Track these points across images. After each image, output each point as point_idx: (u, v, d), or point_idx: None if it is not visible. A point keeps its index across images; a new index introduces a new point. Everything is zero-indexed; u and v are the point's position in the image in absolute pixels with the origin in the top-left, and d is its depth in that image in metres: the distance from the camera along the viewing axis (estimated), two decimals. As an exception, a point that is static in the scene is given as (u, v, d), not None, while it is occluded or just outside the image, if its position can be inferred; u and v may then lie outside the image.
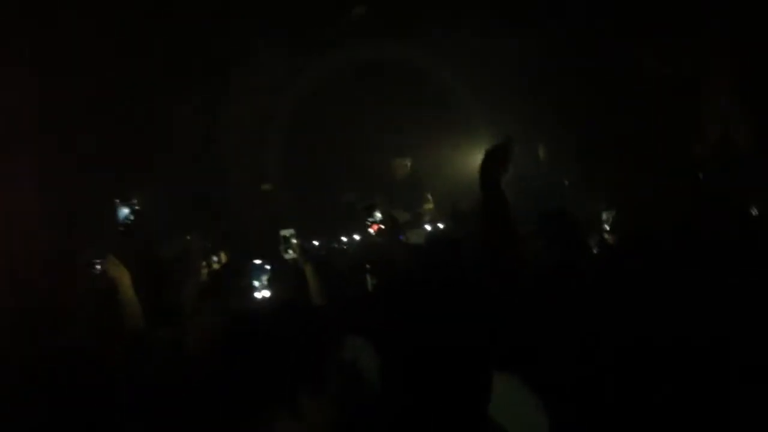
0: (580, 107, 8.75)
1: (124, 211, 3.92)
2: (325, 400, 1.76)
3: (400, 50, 9.74)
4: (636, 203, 6.63)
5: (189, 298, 3.75)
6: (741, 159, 7.34)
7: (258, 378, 1.71)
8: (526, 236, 4.94)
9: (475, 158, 3.12)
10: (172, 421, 2.16)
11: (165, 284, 4.07)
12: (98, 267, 3.77)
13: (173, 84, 8.11)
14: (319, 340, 1.83)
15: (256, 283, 4.37)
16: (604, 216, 5.76)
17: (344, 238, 7.56)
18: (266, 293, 4.38)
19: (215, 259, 3.98)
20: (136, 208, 3.92)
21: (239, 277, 4.35)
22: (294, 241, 4.30)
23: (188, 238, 4.26)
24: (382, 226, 5.61)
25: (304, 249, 4.38)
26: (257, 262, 4.46)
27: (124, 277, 3.74)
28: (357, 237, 7.47)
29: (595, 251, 4.84)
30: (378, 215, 5.72)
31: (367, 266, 4.57)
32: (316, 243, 6.92)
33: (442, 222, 7.63)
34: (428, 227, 7.66)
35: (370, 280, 4.46)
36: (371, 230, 5.76)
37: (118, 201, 3.92)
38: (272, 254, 4.57)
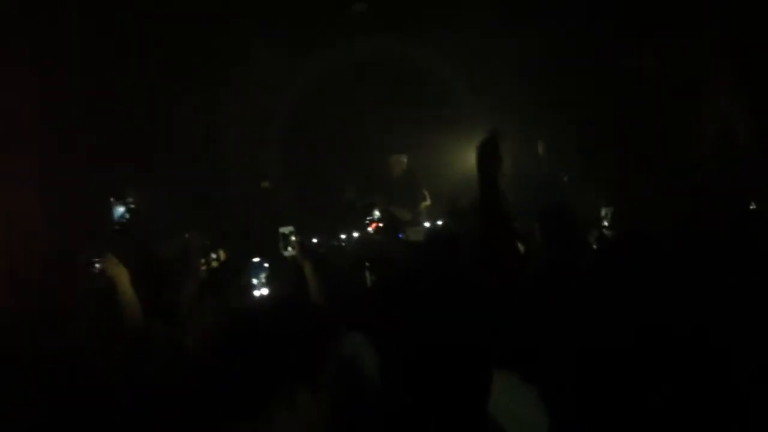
0: (580, 105, 8.76)
1: (120, 209, 3.91)
2: (324, 396, 1.76)
3: (399, 48, 9.74)
4: (635, 200, 6.64)
5: (188, 296, 3.75)
6: (740, 158, 7.35)
7: (257, 375, 1.71)
8: (526, 233, 4.97)
9: (473, 156, 3.12)
10: (171, 419, 2.16)
11: (164, 283, 4.07)
12: (97, 266, 3.77)
13: (173, 83, 8.11)
14: (318, 337, 1.83)
15: (255, 281, 4.37)
16: (603, 212, 5.76)
17: (343, 236, 7.57)
18: (265, 291, 4.38)
19: (214, 256, 3.98)
20: (132, 206, 3.91)
21: (238, 275, 4.36)
22: (293, 238, 4.30)
23: (187, 236, 4.25)
24: (381, 224, 5.61)
25: (304, 246, 4.38)
26: (256, 259, 4.46)
27: (123, 276, 3.75)
28: (356, 235, 7.47)
29: (594, 247, 4.84)
30: (377, 213, 5.72)
31: (367, 264, 4.57)
32: (315, 241, 6.91)
33: (440, 219, 7.64)
34: (427, 224, 7.67)
35: (369, 278, 4.46)
36: (370, 228, 5.75)
37: (113, 200, 3.91)
38: (271, 252, 4.58)
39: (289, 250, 4.32)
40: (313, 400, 1.74)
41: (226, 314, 2.77)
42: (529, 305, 2.95)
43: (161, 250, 4.61)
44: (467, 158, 8.37)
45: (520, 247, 4.98)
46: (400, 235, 5.95)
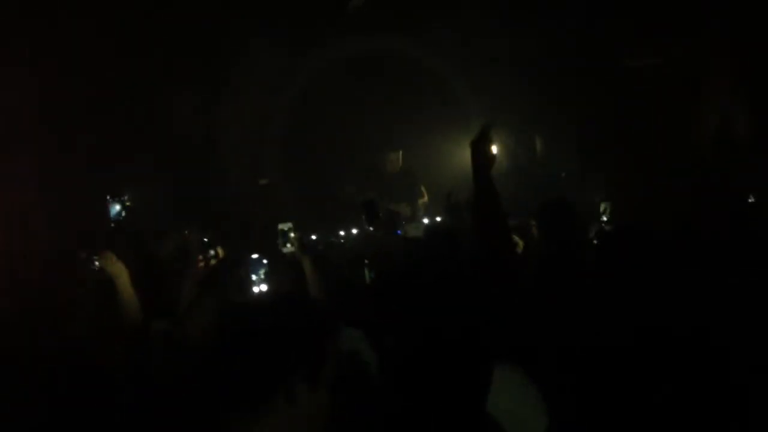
0: (579, 102, 8.75)
1: (116, 207, 3.91)
2: (323, 392, 1.76)
3: (396, 45, 9.73)
4: (634, 196, 6.65)
5: (187, 294, 3.75)
6: (740, 155, 7.34)
7: (256, 371, 1.72)
8: (524, 228, 4.97)
9: (467, 150, 3.13)
10: (171, 417, 2.17)
11: (163, 281, 4.07)
12: (96, 264, 3.78)
13: (171, 81, 8.11)
14: (317, 333, 1.83)
15: (254, 277, 4.37)
16: (602, 207, 5.77)
17: (342, 233, 7.56)
18: (264, 287, 4.38)
19: (212, 254, 3.98)
20: (128, 204, 3.91)
21: (237, 271, 4.36)
22: (292, 234, 4.30)
23: (186, 233, 4.26)
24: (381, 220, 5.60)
25: (303, 242, 4.38)
26: (255, 256, 4.46)
27: (122, 274, 3.75)
28: (354, 231, 7.48)
29: (594, 243, 4.84)
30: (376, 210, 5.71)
31: (366, 261, 4.58)
32: (314, 237, 6.91)
33: (438, 215, 7.64)
34: (425, 221, 7.67)
35: (368, 274, 4.47)
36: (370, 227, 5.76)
37: (110, 198, 3.91)
38: (270, 248, 4.58)
39: (288, 247, 4.31)
40: (313, 395, 1.74)
41: (225, 311, 2.77)
42: (528, 302, 2.95)
43: (160, 248, 4.61)
44: (465, 154, 8.38)
45: (518, 242, 5.01)
46: (399, 232, 5.96)
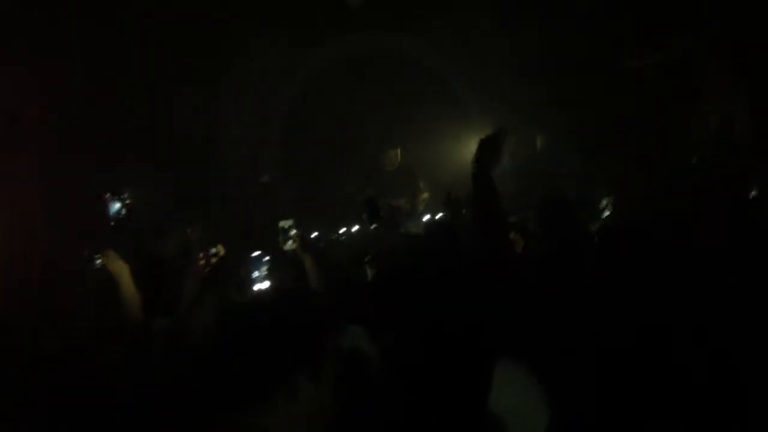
0: (579, 98, 8.74)
1: (116, 205, 3.90)
2: (324, 388, 1.76)
3: (396, 42, 9.73)
4: (633, 195, 6.64)
5: (188, 290, 3.75)
6: (740, 149, 7.32)
7: (258, 367, 1.71)
8: (524, 224, 4.96)
9: (470, 148, 3.12)
10: (173, 414, 2.16)
11: (164, 279, 4.07)
12: (98, 262, 3.76)
13: (172, 80, 8.11)
14: (318, 329, 1.83)
15: (256, 274, 4.36)
16: (604, 202, 5.75)
17: (342, 230, 7.56)
18: (265, 284, 4.38)
19: (213, 251, 3.97)
20: (128, 202, 3.89)
21: (238, 268, 4.35)
22: (293, 232, 4.29)
23: (188, 231, 4.25)
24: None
25: (303, 240, 4.37)
26: (256, 253, 4.45)
27: (123, 272, 3.75)
28: (355, 229, 7.48)
29: (596, 239, 4.82)
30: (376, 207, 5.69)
31: (367, 258, 4.57)
32: (314, 235, 6.91)
33: (438, 210, 7.64)
34: (426, 217, 7.67)
35: (369, 271, 4.46)
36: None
37: (109, 195, 3.90)
38: (271, 245, 4.57)
39: (289, 244, 4.30)
40: (315, 392, 1.74)
41: (226, 309, 2.77)
42: (530, 298, 2.94)
43: (161, 246, 4.60)
44: (465, 151, 8.38)
45: (519, 238, 5.00)
46: (401, 229, 5.95)
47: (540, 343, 2.56)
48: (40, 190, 6.31)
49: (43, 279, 5.06)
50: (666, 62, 8.08)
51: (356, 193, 8.55)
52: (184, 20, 8.05)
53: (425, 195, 8.54)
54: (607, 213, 5.77)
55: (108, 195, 3.91)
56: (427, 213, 7.91)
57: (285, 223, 4.31)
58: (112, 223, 3.91)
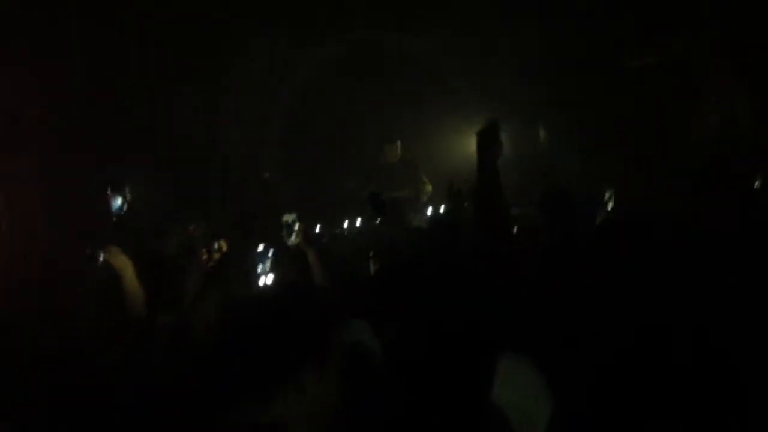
0: (578, 96, 8.74)
1: (118, 201, 3.89)
2: (328, 384, 1.76)
3: (396, 39, 9.74)
4: (635, 189, 6.63)
5: (192, 286, 3.74)
6: (741, 149, 7.31)
7: (262, 362, 1.71)
8: (527, 218, 4.95)
9: (472, 141, 3.11)
10: (176, 410, 2.14)
11: (167, 275, 4.06)
12: (101, 258, 3.75)
13: (173, 73, 8.10)
14: (322, 324, 1.83)
15: (260, 269, 4.36)
16: (607, 195, 5.74)
17: (345, 225, 7.56)
18: (269, 278, 4.38)
19: (216, 246, 3.95)
20: (129, 198, 3.89)
21: (242, 263, 4.35)
22: (296, 226, 4.27)
23: (191, 227, 4.24)
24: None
25: (307, 234, 4.35)
26: (261, 248, 4.45)
27: (127, 268, 3.73)
28: (357, 223, 7.47)
29: (598, 230, 4.80)
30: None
31: (371, 254, 4.56)
32: (317, 229, 6.90)
33: (440, 203, 7.63)
34: (429, 211, 7.65)
35: (372, 266, 4.45)
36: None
37: (110, 192, 3.89)
38: (275, 240, 4.56)
39: (293, 239, 4.28)
40: (319, 387, 1.74)
41: (230, 304, 2.76)
42: (532, 293, 2.93)
43: (163, 242, 4.60)
44: (466, 144, 8.36)
45: (522, 232, 4.98)
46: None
47: (542, 337, 2.55)
48: (40, 190, 6.30)
49: (43, 279, 5.05)
50: (666, 62, 8.07)
51: (358, 187, 8.54)
52: (184, 14, 8.05)
53: (428, 188, 8.52)
54: (609, 206, 5.76)
55: (109, 191, 3.90)
56: (429, 206, 7.88)
57: (288, 218, 4.29)
58: (114, 219, 3.91)
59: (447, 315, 2.10)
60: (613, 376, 2.31)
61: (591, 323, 2.59)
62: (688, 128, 7.77)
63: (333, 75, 9.70)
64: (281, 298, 1.94)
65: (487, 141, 3.03)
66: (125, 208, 3.88)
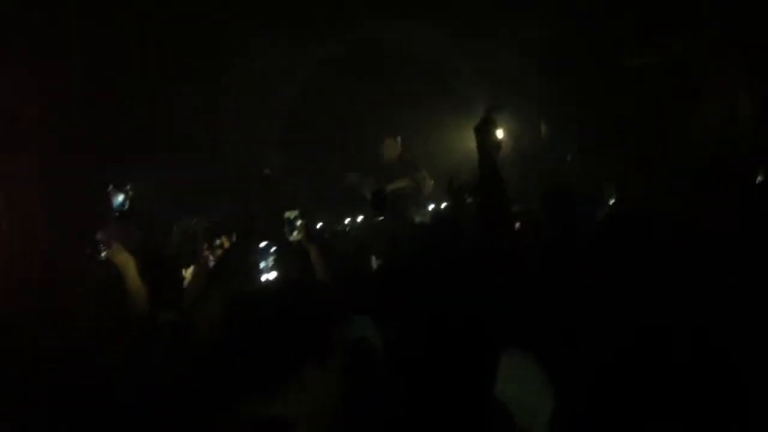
0: (581, 86, 8.73)
1: (119, 198, 3.88)
2: (332, 379, 1.75)
3: (397, 34, 9.73)
4: (636, 188, 6.63)
5: (194, 283, 3.73)
6: (742, 148, 7.31)
7: (265, 358, 1.70)
8: (529, 214, 4.94)
9: (473, 138, 3.10)
10: (178, 406, 2.14)
11: (169, 270, 4.05)
12: (103, 255, 3.75)
13: (173, 72, 8.10)
14: (325, 320, 1.82)
15: (263, 265, 4.36)
16: (608, 191, 5.74)
17: (347, 221, 7.56)
18: (272, 275, 4.38)
19: (218, 243, 3.94)
20: (131, 194, 3.87)
21: (244, 260, 4.34)
22: (298, 222, 4.26)
23: (193, 222, 4.24)
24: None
25: (309, 230, 4.34)
26: (263, 244, 4.45)
27: (129, 264, 3.73)
28: (359, 219, 7.48)
29: (600, 225, 4.80)
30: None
31: (372, 249, 4.56)
32: (319, 226, 6.91)
33: (441, 198, 7.63)
34: (431, 206, 7.65)
35: (374, 262, 4.44)
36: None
37: (112, 188, 3.88)
38: (277, 237, 4.55)
39: (295, 235, 4.27)
40: (322, 382, 1.73)
41: (233, 300, 2.75)
42: (534, 289, 2.92)
43: (165, 238, 4.59)
44: (468, 140, 8.36)
45: (524, 228, 4.97)
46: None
47: (543, 334, 2.54)
48: (40, 190, 6.30)
49: (43, 279, 5.04)
50: (666, 62, 8.06)
51: (358, 181, 8.52)
52: (184, 19, 8.05)
53: (429, 182, 8.50)
54: (611, 202, 5.75)
55: (111, 187, 3.89)
56: (431, 202, 7.87)
57: (291, 214, 4.28)
58: (116, 215, 3.90)
59: (449, 311, 2.12)
60: (613, 373, 2.31)
61: (592, 320, 2.59)
62: (688, 128, 7.76)
63: (334, 71, 9.68)
64: (283, 294, 1.92)
65: (484, 135, 3.01)
66: (127, 204, 3.86)
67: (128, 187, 3.89)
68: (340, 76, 9.53)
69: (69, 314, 3.84)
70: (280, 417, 1.67)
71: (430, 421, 1.90)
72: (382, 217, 4.88)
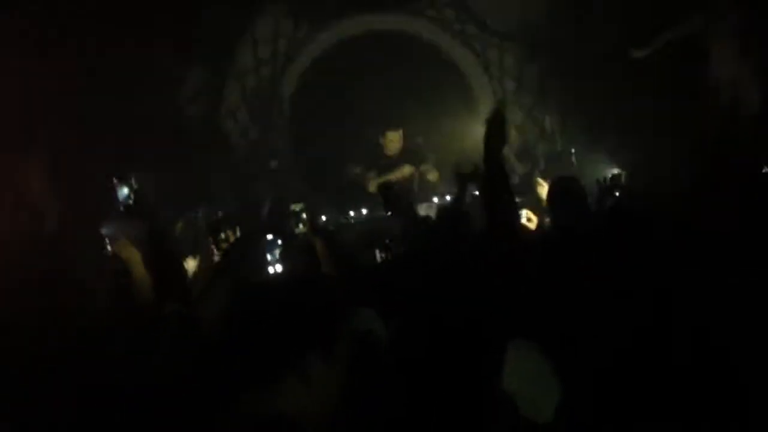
0: (587, 75, 8.71)
1: (124, 190, 3.87)
2: (337, 371, 1.76)
3: (402, 20, 9.70)
4: (645, 173, 6.62)
5: (200, 275, 3.73)
6: (753, 130, 7.29)
7: (271, 349, 1.71)
8: (534, 207, 4.94)
9: (476, 128, 3.10)
10: (183, 397, 2.15)
11: (175, 263, 4.05)
12: (109, 248, 3.75)
13: (177, 62, 8.10)
14: (330, 312, 1.83)
15: (269, 258, 4.37)
16: (613, 182, 5.74)
17: (351, 213, 7.56)
18: (277, 268, 4.39)
19: (223, 236, 3.95)
20: (135, 187, 3.87)
21: (250, 252, 4.34)
22: (304, 215, 4.26)
23: (198, 215, 4.25)
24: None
25: (314, 223, 4.35)
26: (270, 237, 4.46)
27: (135, 258, 3.73)
28: (364, 211, 7.48)
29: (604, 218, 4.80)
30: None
31: (379, 242, 4.55)
32: (323, 218, 6.91)
33: (446, 190, 7.64)
34: (435, 199, 7.64)
35: (379, 255, 4.44)
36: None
37: (116, 180, 3.87)
38: (283, 229, 4.56)
39: (300, 228, 4.28)
40: (327, 374, 1.74)
41: (239, 292, 2.77)
42: (539, 279, 2.92)
43: (171, 231, 4.59)
44: (472, 128, 8.35)
45: (532, 218, 4.97)
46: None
47: (546, 329, 2.55)
48: (46, 189, 6.30)
49: (43, 279, 5.04)
50: (674, 45, 8.03)
51: (363, 173, 8.51)
52: (190, 7, 8.05)
53: (435, 173, 8.49)
54: (617, 193, 5.74)
55: (115, 180, 3.89)
56: (436, 194, 7.87)
57: (296, 207, 4.28)
58: (121, 208, 3.90)
59: (450, 307, 2.15)
60: (612, 373, 2.32)
61: (591, 320, 2.59)
62: (698, 111, 7.74)
63: (339, 59, 9.64)
64: (289, 287, 1.94)
65: (494, 130, 3.00)
66: (132, 197, 3.85)
67: (133, 179, 3.88)
68: (344, 67, 9.49)
69: (71, 312, 3.84)
70: (284, 411, 1.68)
71: (434, 415, 1.91)
72: (390, 213, 4.86)
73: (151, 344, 2.93)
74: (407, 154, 8.60)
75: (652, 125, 7.75)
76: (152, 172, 5.27)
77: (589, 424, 2.19)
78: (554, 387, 2.04)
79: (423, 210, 6.76)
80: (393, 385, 1.98)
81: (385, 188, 5.04)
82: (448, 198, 7.41)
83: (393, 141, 8.56)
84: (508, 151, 8.34)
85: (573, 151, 8.48)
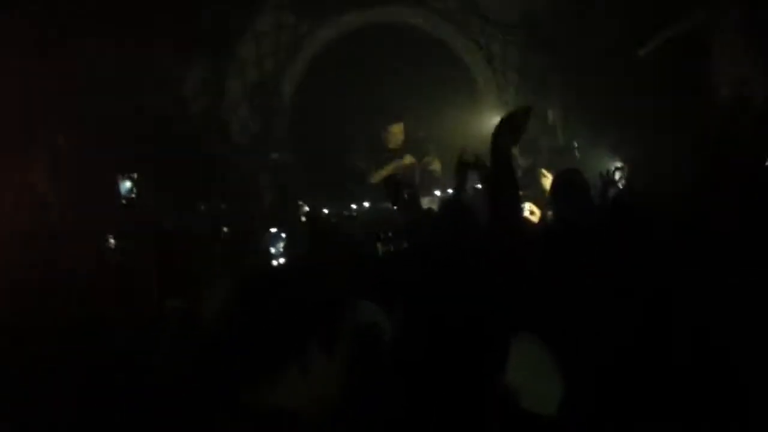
0: (589, 70, 8.70)
1: (127, 184, 3.88)
2: (339, 362, 1.76)
3: (406, 12, 9.69)
4: (647, 168, 6.62)
5: (203, 267, 3.74)
6: (757, 122, 7.28)
7: (273, 341, 1.72)
8: (538, 200, 4.93)
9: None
10: (184, 389, 2.16)
11: (177, 256, 4.06)
12: (112, 241, 3.76)
13: (179, 54, 8.09)
14: (332, 304, 1.84)
15: (273, 250, 4.38)
16: (615, 170, 5.75)
17: (354, 206, 7.55)
18: (282, 260, 4.40)
19: (225, 230, 3.96)
20: (138, 181, 3.88)
21: (253, 244, 4.35)
22: (306, 208, 4.28)
23: (202, 208, 4.25)
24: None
25: (318, 216, 4.36)
26: (274, 230, 4.46)
27: (138, 251, 3.74)
28: (366, 204, 7.47)
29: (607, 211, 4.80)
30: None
31: (382, 235, 4.54)
32: (326, 211, 6.91)
33: (449, 182, 7.62)
34: (438, 192, 7.63)
35: (381, 247, 4.44)
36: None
37: (119, 175, 3.89)
38: (286, 221, 4.57)
39: (303, 220, 4.29)
40: (329, 366, 1.74)
41: (242, 283, 2.78)
42: (541, 274, 2.93)
43: (172, 223, 4.59)
44: (476, 121, 8.35)
45: (535, 211, 4.97)
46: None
47: (548, 325, 2.56)
48: (44, 189, 6.30)
49: (43, 279, 5.04)
50: (676, 40, 8.02)
51: (366, 166, 8.50)
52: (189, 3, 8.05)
53: (437, 165, 8.48)
54: (620, 186, 5.75)
55: (119, 175, 3.90)
56: (437, 188, 7.85)
57: (300, 200, 4.30)
58: (123, 202, 3.91)
59: (454, 299, 2.14)
60: (612, 373, 2.33)
61: (591, 319, 2.59)
62: (701, 105, 7.73)
63: (343, 51, 9.62)
64: (290, 279, 1.92)
65: (511, 128, 2.96)
66: (134, 192, 3.86)
67: (135, 174, 3.90)
68: (347, 60, 9.48)
69: (86, 299, 3.85)
70: (285, 405, 1.67)
71: (436, 411, 1.92)
72: (395, 206, 4.84)
73: (152, 344, 2.94)
74: (410, 147, 8.58)
75: (653, 121, 7.73)
76: (153, 167, 5.28)
77: (591, 418, 2.19)
78: (557, 381, 2.04)
79: (426, 204, 6.76)
80: (395, 379, 1.98)
81: (393, 182, 5.02)
82: (450, 192, 7.40)
83: (396, 134, 8.54)
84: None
85: (576, 144, 8.48)
